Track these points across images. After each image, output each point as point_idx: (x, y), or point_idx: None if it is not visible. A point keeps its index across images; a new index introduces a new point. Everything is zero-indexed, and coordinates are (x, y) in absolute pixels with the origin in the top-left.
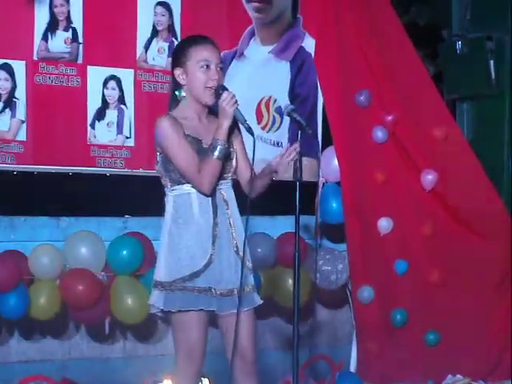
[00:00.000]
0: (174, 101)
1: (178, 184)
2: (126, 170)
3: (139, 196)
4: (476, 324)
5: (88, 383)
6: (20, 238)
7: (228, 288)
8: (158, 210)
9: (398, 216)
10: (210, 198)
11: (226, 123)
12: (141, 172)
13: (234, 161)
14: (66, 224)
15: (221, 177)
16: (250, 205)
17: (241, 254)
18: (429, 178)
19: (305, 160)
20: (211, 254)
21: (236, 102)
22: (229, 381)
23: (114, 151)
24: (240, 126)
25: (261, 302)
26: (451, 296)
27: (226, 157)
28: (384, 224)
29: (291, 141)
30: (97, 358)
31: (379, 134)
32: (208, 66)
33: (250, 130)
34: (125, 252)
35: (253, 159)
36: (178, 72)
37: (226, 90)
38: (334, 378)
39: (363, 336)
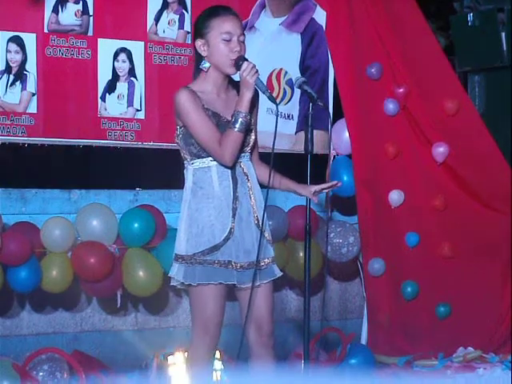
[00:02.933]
0: (198, 73)
1: (198, 158)
2: (136, 142)
3: (150, 169)
4: (487, 296)
5: (99, 356)
6: (31, 211)
7: (248, 261)
8: (169, 182)
9: (409, 189)
10: (229, 172)
11: (247, 94)
12: (151, 145)
13: (253, 134)
14: (77, 197)
15: (240, 150)
16: (271, 178)
17: (261, 226)
18: (440, 150)
19: (316, 133)
20: (231, 228)
21: (257, 71)
22: (246, 353)
23: (125, 124)
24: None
25: (280, 273)
26: (462, 268)
27: (247, 129)
28: (395, 197)
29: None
30: (108, 331)
31: (390, 106)
32: (230, 38)
33: (272, 99)
34: (136, 225)
35: (275, 136)
36: (199, 43)
37: (246, 60)
38: (345, 351)
39: (374, 308)
